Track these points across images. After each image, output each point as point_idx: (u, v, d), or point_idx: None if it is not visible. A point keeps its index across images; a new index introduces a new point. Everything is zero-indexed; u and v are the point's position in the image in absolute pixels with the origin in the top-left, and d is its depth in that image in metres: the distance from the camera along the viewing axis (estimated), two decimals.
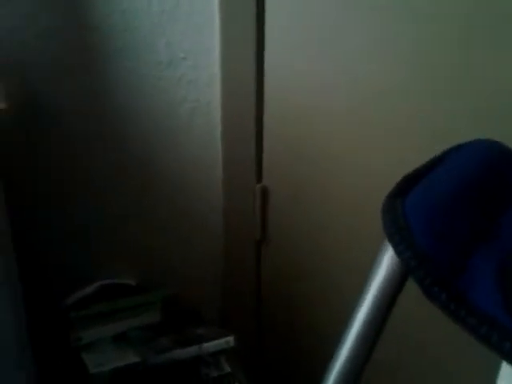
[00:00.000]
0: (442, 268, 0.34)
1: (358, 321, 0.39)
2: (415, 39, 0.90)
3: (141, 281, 1.18)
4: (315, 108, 1.02)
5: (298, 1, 0.97)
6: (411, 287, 0.36)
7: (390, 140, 0.97)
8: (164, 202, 1.15)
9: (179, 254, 1.19)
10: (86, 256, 1.17)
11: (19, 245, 0.87)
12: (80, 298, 1.11)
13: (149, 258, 1.20)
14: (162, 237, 1.18)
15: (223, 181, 1.11)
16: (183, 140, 1.11)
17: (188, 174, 1.13)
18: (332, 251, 1.10)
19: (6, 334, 0.78)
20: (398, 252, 0.35)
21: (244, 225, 1.14)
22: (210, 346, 0.95)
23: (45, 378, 0.93)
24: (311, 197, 1.08)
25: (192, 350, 0.95)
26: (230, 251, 1.16)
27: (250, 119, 1.06)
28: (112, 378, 0.90)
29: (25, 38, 0.99)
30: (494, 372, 0.40)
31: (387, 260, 0.37)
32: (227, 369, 0.95)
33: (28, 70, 1.01)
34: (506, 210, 0.38)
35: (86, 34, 1.02)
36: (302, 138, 1.05)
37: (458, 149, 0.44)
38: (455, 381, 1.04)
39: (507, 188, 0.40)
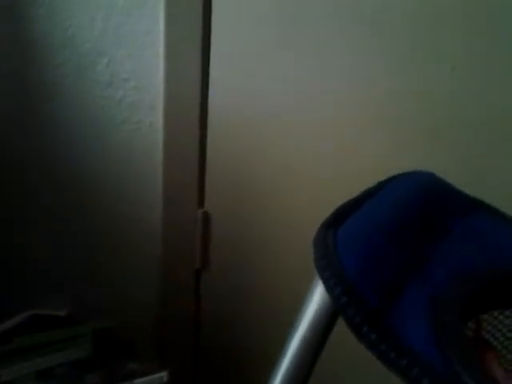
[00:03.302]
0: (373, 305, 0.32)
1: (287, 359, 0.37)
2: (374, 57, 0.91)
3: (72, 311, 1.11)
4: (259, 134, 1.01)
5: (244, 24, 0.97)
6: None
7: (335, 167, 0.97)
8: (100, 226, 1.10)
9: (114, 282, 1.14)
10: (12, 285, 1.10)
11: None
12: (6, 330, 1.03)
13: (81, 287, 1.13)
14: (96, 262, 1.12)
15: (163, 205, 1.07)
16: (123, 161, 1.07)
17: (127, 198, 1.09)
18: (275, 280, 1.08)
19: None
20: (328, 287, 0.33)
21: (184, 251, 1.10)
22: (142, 382, 0.89)
23: None
24: (254, 224, 1.06)
25: None
26: (168, 279, 1.11)
27: (192, 143, 1.04)
28: None
29: None
30: None
31: (318, 295, 0.35)
32: None
33: None
34: (436, 243, 0.37)
35: (25, 47, 0.99)
36: (245, 164, 1.04)
37: (392, 180, 0.43)
38: None
39: (439, 220, 0.39)
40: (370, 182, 0.45)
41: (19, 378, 0.91)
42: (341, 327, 0.34)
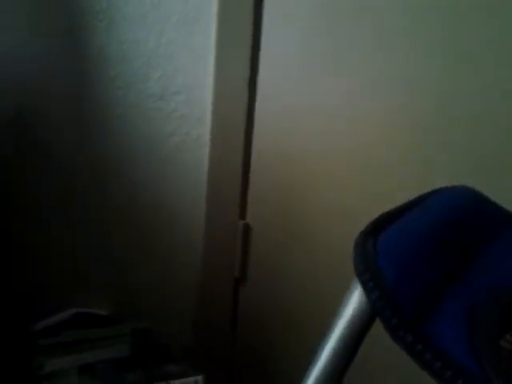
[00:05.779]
0: (410, 310, 0.33)
1: (323, 358, 0.38)
2: (414, 78, 0.91)
3: (114, 312, 1.15)
4: (303, 149, 1.03)
5: (292, 43, 1.00)
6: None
7: (376, 183, 0.98)
8: (144, 234, 1.14)
9: (155, 287, 1.17)
10: (61, 282, 1.15)
11: None
12: (52, 325, 1.07)
13: (123, 288, 1.17)
14: (139, 268, 1.16)
15: (206, 215, 1.10)
16: (169, 173, 1.11)
17: (171, 208, 1.12)
18: (312, 295, 1.08)
19: None
20: (366, 290, 0.35)
21: (224, 261, 1.12)
22: (178, 383, 0.91)
23: None
24: (294, 237, 1.07)
25: None
26: (207, 288, 1.14)
27: (237, 156, 1.07)
28: None
29: (22, 60, 1.00)
30: None
31: (356, 298, 0.37)
32: None
33: (21, 94, 1.02)
34: (475, 256, 0.38)
35: (82, 60, 1.04)
36: (288, 178, 1.06)
37: (433, 194, 0.45)
38: None
39: (479, 234, 0.40)
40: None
41: (62, 371, 0.95)
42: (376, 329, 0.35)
